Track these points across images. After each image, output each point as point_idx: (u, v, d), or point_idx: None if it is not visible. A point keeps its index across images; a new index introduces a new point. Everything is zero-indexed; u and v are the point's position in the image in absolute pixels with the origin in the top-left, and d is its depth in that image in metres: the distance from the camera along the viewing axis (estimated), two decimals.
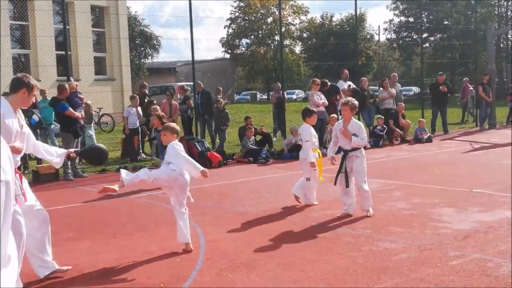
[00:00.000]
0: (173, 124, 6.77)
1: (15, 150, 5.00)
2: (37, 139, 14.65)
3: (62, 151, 5.91)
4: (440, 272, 5.39)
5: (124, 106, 20.94)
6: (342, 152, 7.98)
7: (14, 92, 5.29)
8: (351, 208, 7.92)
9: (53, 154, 5.78)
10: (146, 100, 15.73)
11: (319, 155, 8.75)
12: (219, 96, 20.01)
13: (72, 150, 6.14)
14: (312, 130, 8.80)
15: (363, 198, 7.88)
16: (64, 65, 15.22)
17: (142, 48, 41.14)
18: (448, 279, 5.20)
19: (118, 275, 5.71)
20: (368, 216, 7.75)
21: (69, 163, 12.17)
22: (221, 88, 20.99)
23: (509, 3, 53.66)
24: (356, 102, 8.08)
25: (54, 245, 6.91)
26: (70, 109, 12.19)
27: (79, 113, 12.68)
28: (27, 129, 5.45)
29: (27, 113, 13.36)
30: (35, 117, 13.64)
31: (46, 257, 5.61)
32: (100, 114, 23.24)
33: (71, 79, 15.65)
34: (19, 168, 5.61)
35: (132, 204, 9.43)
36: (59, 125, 13.25)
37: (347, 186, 7.84)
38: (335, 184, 8.00)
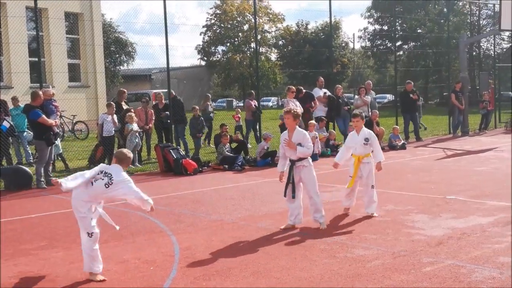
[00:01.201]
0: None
1: None
2: (9, 147, 14.49)
3: None
4: (413, 279, 5.44)
5: (98, 113, 20.78)
6: (289, 162, 7.79)
7: None
8: (298, 219, 7.76)
9: None
10: (124, 108, 15.54)
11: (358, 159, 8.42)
12: (208, 103, 20.12)
13: None
14: (354, 136, 8.48)
15: (315, 208, 7.72)
16: (38, 72, 15.05)
17: (117, 55, 40.90)
18: (422, 286, 5.25)
19: (92, 284, 5.65)
20: (320, 228, 7.59)
21: (42, 170, 12.01)
22: (209, 95, 21.14)
23: (481, 12, 54.62)
24: (299, 110, 7.96)
25: (26, 254, 6.84)
26: (43, 116, 12.00)
27: (53, 121, 12.53)
28: None
29: None
30: (6, 124, 13.42)
31: None
32: (74, 122, 23.01)
33: (49, 86, 15.47)
34: None
35: (107, 213, 9.32)
36: (32, 133, 13.08)
37: (293, 196, 7.66)
38: (284, 195, 7.79)
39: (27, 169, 12.64)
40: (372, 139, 8.38)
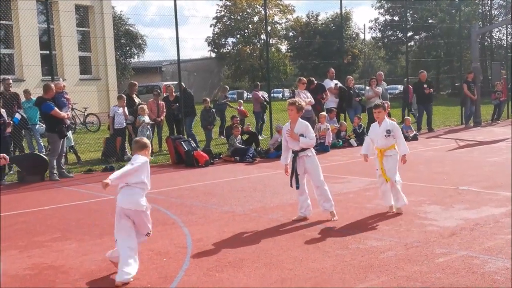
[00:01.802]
0: None
1: None
2: (21, 139, 14.57)
3: None
4: (426, 270, 5.42)
5: (110, 105, 20.84)
6: (292, 153, 7.78)
7: None
8: (308, 210, 7.72)
9: None
10: (136, 102, 15.56)
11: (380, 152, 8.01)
12: (224, 95, 20.19)
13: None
14: (375, 128, 8.08)
15: (324, 198, 7.66)
16: (49, 65, 15.10)
17: (128, 48, 40.98)
18: (435, 277, 5.23)
19: (105, 276, 5.68)
20: (332, 220, 7.52)
21: (54, 163, 12.07)
22: (227, 87, 21.23)
23: (493, 2, 54.13)
24: (303, 103, 7.94)
25: (40, 246, 6.88)
26: (56, 109, 12.08)
27: (66, 113, 12.59)
28: None
29: (11, 113, 13.26)
30: (18, 116, 13.50)
31: None
32: (86, 114, 23.11)
33: (60, 79, 15.52)
34: None
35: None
36: (44, 125, 13.14)
37: (297, 187, 7.64)
38: (291, 186, 7.78)
39: (43, 155, 12.75)
40: (395, 131, 7.97)
